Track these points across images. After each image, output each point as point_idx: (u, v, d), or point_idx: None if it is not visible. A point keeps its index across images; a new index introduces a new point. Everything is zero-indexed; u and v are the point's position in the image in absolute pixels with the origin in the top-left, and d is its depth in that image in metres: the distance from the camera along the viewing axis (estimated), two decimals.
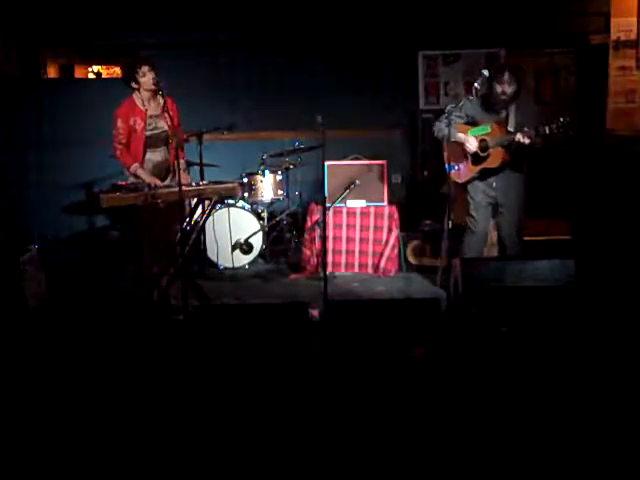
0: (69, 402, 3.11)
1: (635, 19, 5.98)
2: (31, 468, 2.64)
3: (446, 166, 4.73)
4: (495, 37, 6.44)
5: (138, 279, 4.69)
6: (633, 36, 6.01)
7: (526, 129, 4.25)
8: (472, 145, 4.47)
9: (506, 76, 4.32)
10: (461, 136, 4.50)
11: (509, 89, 4.32)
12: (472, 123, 4.55)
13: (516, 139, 4.27)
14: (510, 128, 4.43)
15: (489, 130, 4.47)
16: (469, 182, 4.63)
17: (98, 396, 3.14)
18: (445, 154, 4.74)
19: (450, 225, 4.43)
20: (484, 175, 4.59)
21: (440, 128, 4.59)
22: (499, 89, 4.34)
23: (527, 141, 4.24)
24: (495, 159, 4.48)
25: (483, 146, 4.49)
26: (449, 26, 6.42)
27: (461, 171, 4.60)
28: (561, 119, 4.11)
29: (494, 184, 4.58)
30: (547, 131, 4.15)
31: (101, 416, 2.98)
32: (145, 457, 2.70)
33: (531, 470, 2.56)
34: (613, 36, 6.05)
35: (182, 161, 4.63)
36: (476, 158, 4.54)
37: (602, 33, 6.23)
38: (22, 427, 2.93)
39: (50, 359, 3.55)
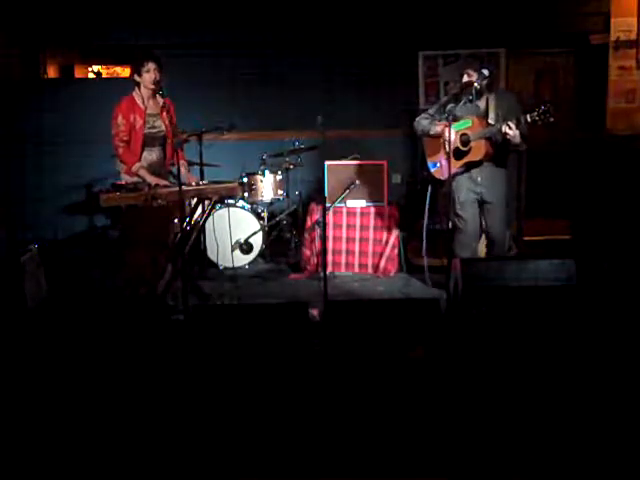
0: (69, 401, 3.11)
1: (635, 19, 6.00)
2: (31, 467, 2.64)
3: (429, 164, 4.73)
4: (495, 37, 6.44)
5: (137, 279, 4.68)
6: (633, 36, 6.02)
7: (509, 120, 4.26)
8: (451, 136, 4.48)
9: (475, 64, 4.50)
10: (440, 129, 4.52)
11: (474, 76, 4.38)
12: (454, 120, 4.55)
13: (502, 130, 4.27)
14: (491, 121, 4.44)
15: (470, 124, 4.49)
16: (453, 178, 4.60)
17: (98, 396, 3.14)
18: (426, 151, 4.76)
19: (450, 225, 4.43)
20: (468, 169, 4.58)
21: (420, 123, 4.69)
22: (466, 77, 4.42)
23: (512, 132, 4.23)
24: (478, 152, 4.48)
25: (464, 140, 4.51)
26: (449, 26, 6.42)
27: (444, 168, 4.57)
28: (542, 107, 4.11)
29: (479, 179, 4.58)
30: (529, 119, 4.15)
31: (101, 415, 2.98)
32: (144, 456, 2.70)
33: (530, 469, 2.56)
34: (613, 36, 6.07)
35: (182, 162, 4.62)
36: (458, 153, 4.53)
37: (602, 33, 6.23)
38: (22, 426, 2.93)
39: (50, 359, 3.55)
